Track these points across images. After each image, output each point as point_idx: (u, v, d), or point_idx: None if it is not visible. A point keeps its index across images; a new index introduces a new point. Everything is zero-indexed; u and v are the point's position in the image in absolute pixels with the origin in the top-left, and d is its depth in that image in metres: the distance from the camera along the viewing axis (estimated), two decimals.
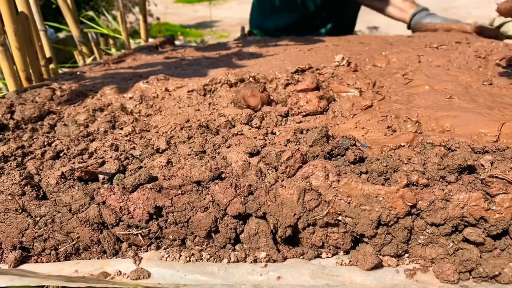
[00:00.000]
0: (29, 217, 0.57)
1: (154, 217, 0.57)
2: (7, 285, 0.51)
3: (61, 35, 4.04)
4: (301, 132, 0.68)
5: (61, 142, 0.72)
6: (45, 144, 0.72)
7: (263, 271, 0.53)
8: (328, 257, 0.56)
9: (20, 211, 0.56)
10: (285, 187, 0.54)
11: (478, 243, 0.50)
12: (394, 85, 0.91)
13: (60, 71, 1.45)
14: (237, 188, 0.55)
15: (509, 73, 0.89)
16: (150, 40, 2.01)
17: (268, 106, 0.84)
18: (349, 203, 0.52)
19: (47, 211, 0.56)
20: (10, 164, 0.64)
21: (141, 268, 0.53)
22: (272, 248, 0.55)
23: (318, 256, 0.56)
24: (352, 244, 0.55)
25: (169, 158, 0.60)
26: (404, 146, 0.61)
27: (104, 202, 0.56)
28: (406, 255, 0.54)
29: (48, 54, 1.32)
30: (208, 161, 0.58)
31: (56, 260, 0.58)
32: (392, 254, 0.53)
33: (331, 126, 0.73)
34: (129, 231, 0.57)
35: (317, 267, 0.53)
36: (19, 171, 0.59)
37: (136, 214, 0.56)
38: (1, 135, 0.78)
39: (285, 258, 0.55)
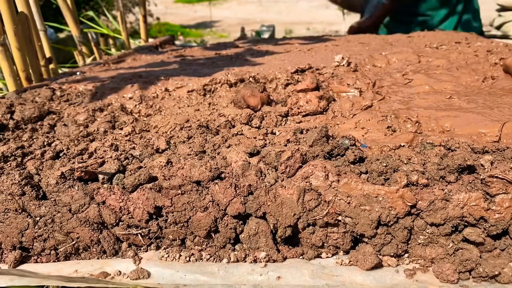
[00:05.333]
0: (29, 217, 0.57)
1: (154, 217, 0.57)
2: (7, 285, 0.51)
3: (61, 35, 4.04)
4: (301, 132, 0.68)
5: (61, 142, 0.72)
6: (45, 144, 0.72)
7: (263, 271, 0.53)
8: (328, 257, 0.55)
9: (20, 211, 0.56)
10: (285, 187, 0.54)
11: (478, 243, 0.50)
12: (394, 85, 0.91)
13: (60, 71, 1.45)
14: (237, 188, 0.55)
15: None
16: (150, 40, 2.01)
17: (268, 106, 0.84)
18: (349, 203, 0.52)
19: (47, 211, 0.56)
20: (10, 164, 0.64)
21: (141, 268, 0.53)
22: (272, 248, 0.55)
23: (318, 256, 0.56)
24: (352, 244, 0.55)
25: (169, 158, 0.60)
26: (404, 146, 0.61)
27: (104, 202, 0.56)
28: (406, 255, 0.54)
29: (48, 54, 1.32)
30: (208, 161, 0.58)
31: (56, 260, 0.58)
32: (392, 254, 0.53)
33: (331, 126, 0.73)
34: (129, 231, 0.57)
35: (317, 267, 0.53)
36: (19, 171, 0.59)
37: (136, 214, 0.56)
38: (1, 135, 0.78)
39: (285, 258, 0.55)
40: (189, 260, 0.56)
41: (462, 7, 1.94)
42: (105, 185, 0.57)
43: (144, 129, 0.80)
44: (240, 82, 0.98)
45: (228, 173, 0.57)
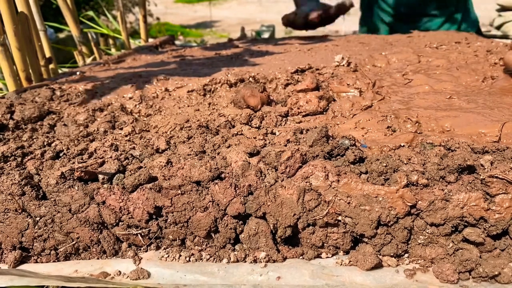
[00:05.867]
0: (29, 217, 0.57)
1: (154, 217, 0.57)
2: (7, 285, 0.51)
3: (61, 35, 4.04)
4: (301, 132, 0.68)
5: (61, 142, 0.72)
6: (45, 144, 0.72)
7: (263, 271, 0.53)
8: (328, 257, 0.56)
9: (20, 211, 0.56)
10: (285, 187, 0.54)
11: (478, 243, 0.50)
12: (394, 85, 0.91)
13: (60, 71, 1.45)
14: (236, 188, 0.55)
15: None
16: (150, 40, 2.01)
17: (268, 106, 0.84)
18: (349, 203, 0.52)
19: (47, 211, 0.56)
20: (10, 164, 0.64)
21: (141, 268, 0.53)
22: (272, 248, 0.55)
23: (318, 256, 0.56)
24: (352, 244, 0.55)
25: (169, 158, 0.60)
26: (404, 146, 0.61)
27: (104, 202, 0.56)
28: (406, 255, 0.54)
29: (48, 54, 1.32)
30: (208, 161, 0.58)
31: (56, 260, 0.58)
32: (392, 254, 0.53)
33: (331, 126, 0.73)
34: (129, 231, 0.57)
35: (317, 267, 0.53)
36: (19, 171, 0.59)
37: (136, 214, 0.56)
38: (1, 135, 0.78)
39: (285, 258, 0.55)
40: (189, 260, 0.56)
41: (461, 17, 1.95)
42: (105, 185, 0.57)
43: (144, 129, 0.80)
44: (240, 82, 0.97)
45: (228, 173, 0.57)
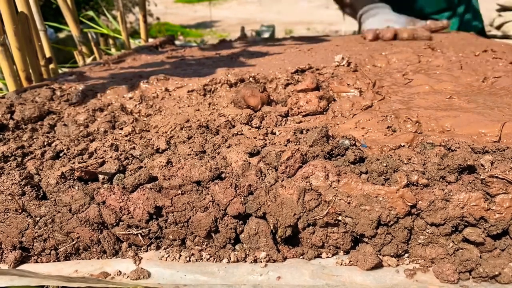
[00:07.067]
0: (29, 217, 0.57)
1: (154, 217, 0.57)
2: (7, 285, 0.51)
3: (61, 35, 4.04)
4: (301, 132, 0.68)
5: (61, 142, 0.72)
6: (45, 144, 0.72)
7: (263, 271, 0.53)
8: (328, 257, 0.56)
9: (20, 211, 0.56)
10: (285, 187, 0.54)
11: (478, 243, 0.50)
12: (394, 85, 0.91)
13: (60, 71, 1.45)
14: (237, 188, 0.55)
15: None
16: (150, 40, 2.01)
17: (268, 106, 0.84)
18: (349, 203, 0.52)
19: (47, 211, 0.56)
20: (10, 164, 0.64)
21: (141, 268, 0.53)
22: (272, 248, 0.55)
23: (318, 256, 0.56)
24: (352, 244, 0.55)
25: (169, 158, 0.60)
26: (404, 146, 0.61)
27: (104, 202, 0.56)
28: (406, 255, 0.54)
29: (48, 54, 1.32)
30: (208, 161, 0.58)
31: (56, 260, 0.58)
32: (392, 254, 0.53)
33: (331, 126, 0.73)
34: (129, 231, 0.57)
35: (317, 267, 0.53)
36: (19, 171, 0.59)
37: (136, 214, 0.56)
38: (1, 135, 0.78)
39: (285, 258, 0.55)
40: (189, 260, 0.56)
41: (464, 9, 1.95)
42: (105, 185, 0.57)
43: (144, 129, 0.80)
44: (240, 82, 0.97)
45: (228, 173, 0.57)
